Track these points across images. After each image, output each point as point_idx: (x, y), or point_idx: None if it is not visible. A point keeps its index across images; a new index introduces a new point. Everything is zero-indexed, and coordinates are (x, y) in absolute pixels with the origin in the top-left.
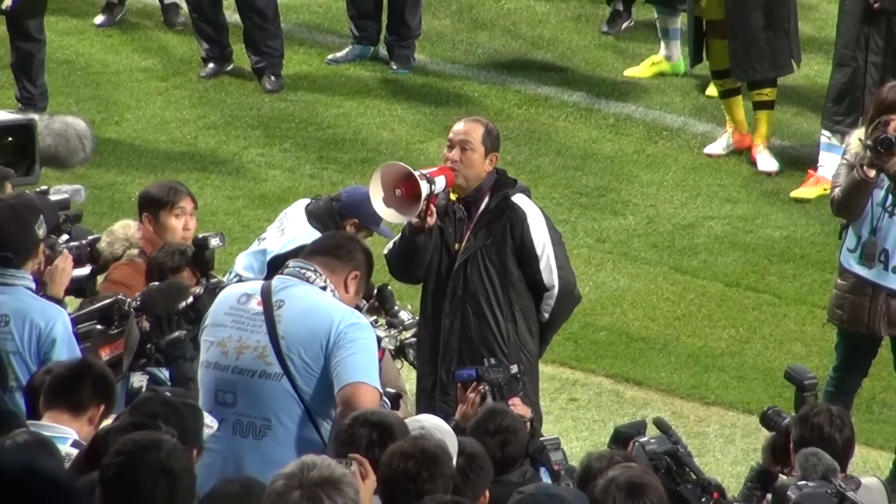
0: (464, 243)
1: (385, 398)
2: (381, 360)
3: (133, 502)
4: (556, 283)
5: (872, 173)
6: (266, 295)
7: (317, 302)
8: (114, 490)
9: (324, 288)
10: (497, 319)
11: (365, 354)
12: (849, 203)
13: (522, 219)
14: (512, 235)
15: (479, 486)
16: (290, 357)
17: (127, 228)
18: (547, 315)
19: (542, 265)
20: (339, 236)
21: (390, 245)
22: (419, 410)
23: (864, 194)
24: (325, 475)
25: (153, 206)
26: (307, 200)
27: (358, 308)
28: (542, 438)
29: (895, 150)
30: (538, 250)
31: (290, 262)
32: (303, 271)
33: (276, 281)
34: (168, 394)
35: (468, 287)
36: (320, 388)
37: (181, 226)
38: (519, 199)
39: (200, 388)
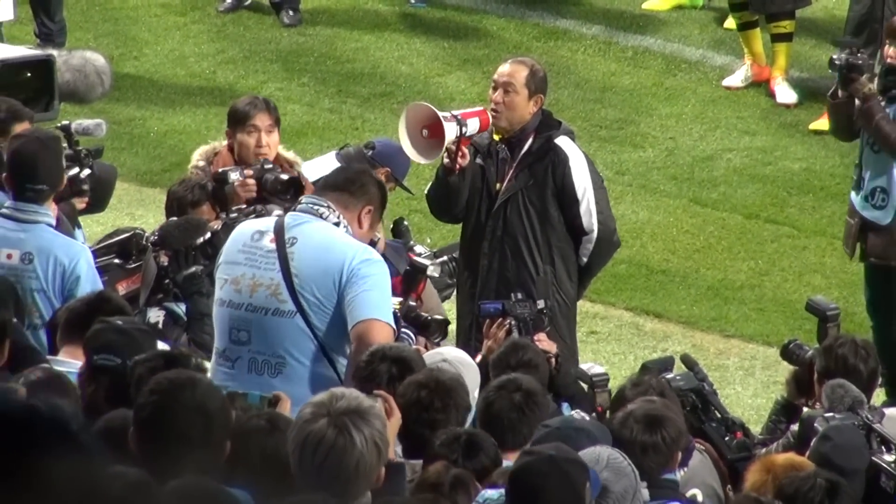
0: (505, 184)
1: (408, 331)
2: (423, 289)
3: (169, 441)
4: (595, 227)
5: (840, 94)
6: (279, 232)
7: (330, 238)
8: (149, 430)
9: (337, 224)
10: (535, 261)
11: (378, 290)
12: (832, 126)
13: (564, 161)
14: (553, 178)
15: (534, 423)
16: (303, 294)
17: (212, 145)
18: (585, 259)
19: (583, 209)
20: (351, 170)
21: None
22: (458, 347)
23: (840, 116)
24: (353, 406)
25: (231, 122)
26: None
27: (373, 243)
28: (592, 373)
29: (857, 74)
30: (579, 194)
31: (303, 198)
32: (316, 207)
33: (289, 217)
34: (119, 321)
35: (507, 228)
36: (334, 324)
37: (254, 142)
38: (562, 141)
39: (215, 327)
